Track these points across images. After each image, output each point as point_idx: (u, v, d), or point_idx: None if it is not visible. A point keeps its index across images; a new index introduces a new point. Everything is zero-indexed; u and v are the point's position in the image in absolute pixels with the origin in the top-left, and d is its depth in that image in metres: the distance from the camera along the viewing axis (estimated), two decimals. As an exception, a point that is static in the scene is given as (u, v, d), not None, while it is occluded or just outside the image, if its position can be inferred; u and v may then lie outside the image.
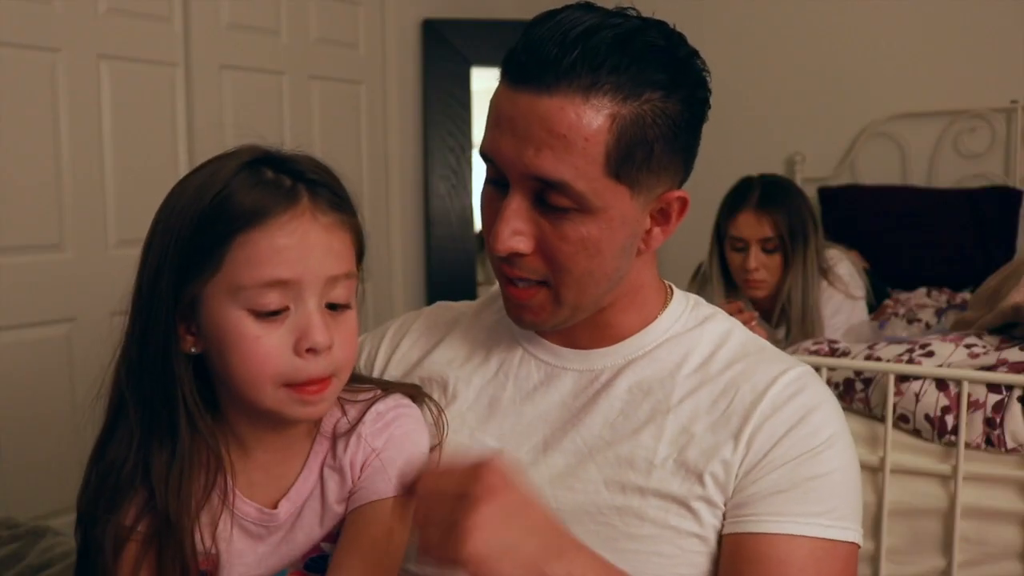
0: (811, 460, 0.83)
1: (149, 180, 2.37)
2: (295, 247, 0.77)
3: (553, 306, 0.85)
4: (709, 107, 0.86)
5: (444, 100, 3.32)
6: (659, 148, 0.80)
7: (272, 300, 0.78)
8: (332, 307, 0.81)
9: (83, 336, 2.24)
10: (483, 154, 0.84)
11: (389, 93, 3.18)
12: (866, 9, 3.09)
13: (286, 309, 0.78)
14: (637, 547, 0.83)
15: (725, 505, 0.84)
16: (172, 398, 0.81)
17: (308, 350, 0.78)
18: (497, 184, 0.84)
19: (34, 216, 2.16)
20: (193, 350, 0.82)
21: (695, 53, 0.83)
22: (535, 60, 0.77)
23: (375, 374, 1.01)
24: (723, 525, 0.84)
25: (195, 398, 0.82)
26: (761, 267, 2.11)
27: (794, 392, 0.85)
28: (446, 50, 3.30)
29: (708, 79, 0.84)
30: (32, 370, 2.16)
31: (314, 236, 0.79)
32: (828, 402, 0.88)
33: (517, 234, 0.81)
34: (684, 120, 0.81)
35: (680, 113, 0.81)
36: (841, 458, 0.85)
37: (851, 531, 0.84)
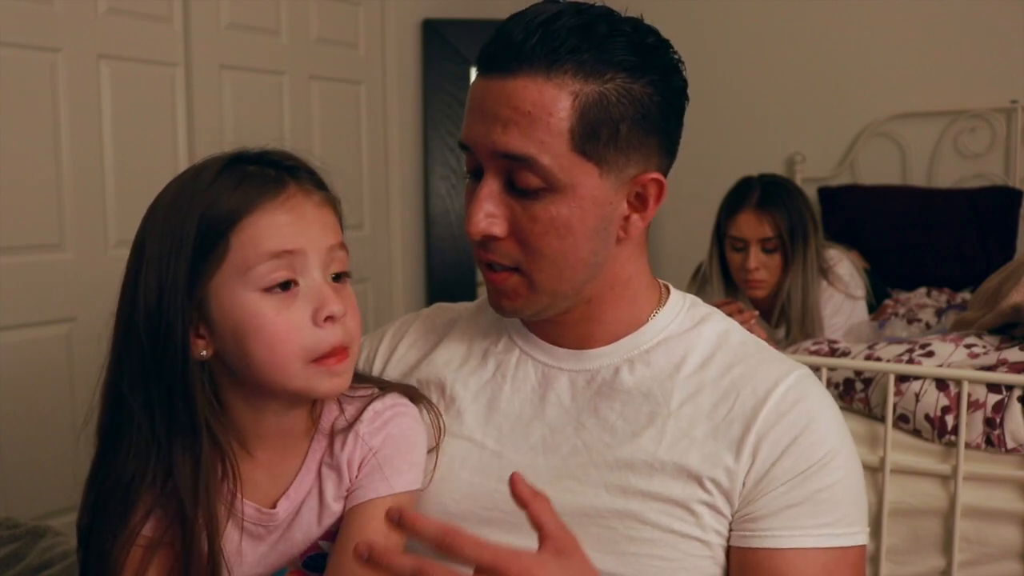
0: (819, 472, 0.83)
1: (149, 180, 2.35)
2: (294, 221, 0.81)
3: (528, 291, 0.86)
4: (687, 98, 0.87)
5: (444, 100, 3.32)
6: (625, 128, 0.81)
7: (281, 274, 0.80)
8: (336, 277, 0.84)
9: (83, 336, 2.24)
10: (461, 144, 0.86)
11: (389, 93, 3.18)
12: (866, 9, 3.09)
13: (295, 284, 0.81)
14: (637, 550, 0.83)
15: (732, 515, 0.84)
16: (192, 405, 0.82)
17: (327, 318, 0.81)
18: (475, 176, 0.86)
19: (34, 216, 2.16)
20: (204, 354, 0.82)
21: (667, 44, 0.85)
22: (501, 48, 0.81)
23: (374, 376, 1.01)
24: (730, 535, 0.84)
25: (213, 403, 0.83)
26: (761, 267, 2.11)
27: (796, 398, 0.85)
28: (446, 50, 3.30)
29: (682, 68, 0.86)
30: (32, 370, 2.15)
31: (309, 210, 0.83)
32: (829, 407, 0.88)
33: (490, 217, 0.83)
34: (655, 103, 0.83)
35: (649, 96, 0.82)
36: (847, 465, 0.86)
37: (859, 535, 0.85)
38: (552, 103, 0.79)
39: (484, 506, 0.88)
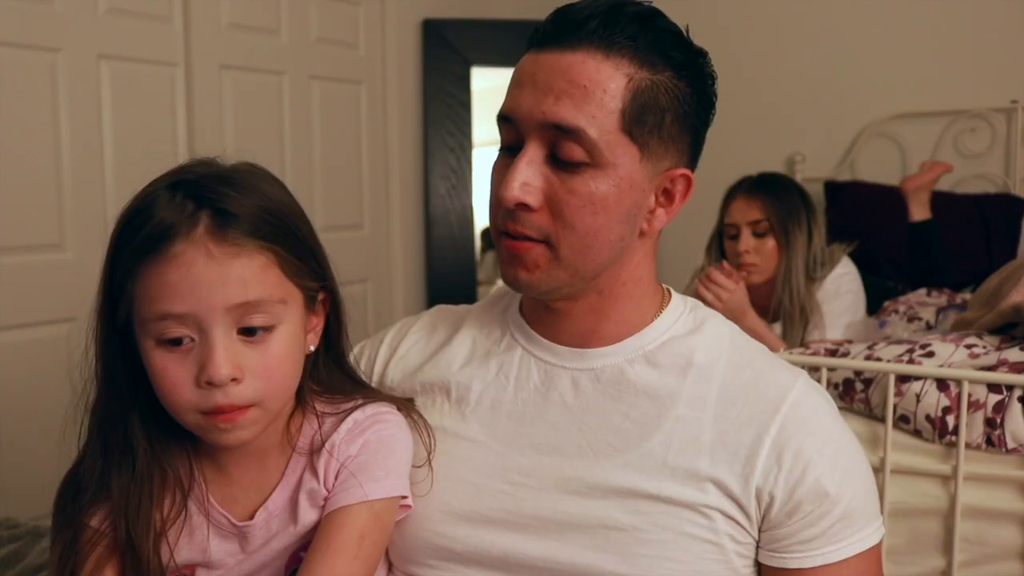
0: (849, 484, 0.85)
1: (149, 180, 2.37)
2: (182, 282, 0.76)
3: (550, 264, 0.86)
4: (714, 110, 0.90)
5: (444, 100, 3.32)
6: (670, 119, 0.84)
7: (173, 331, 0.78)
8: (251, 332, 0.79)
9: (83, 336, 2.23)
10: (501, 117, 0.87)
11: (389, 93, 3.18)
12: (866, 9, 3.09)
13: (191, 340, 0.78)
14: (647, 552, 0.83)
15: (759, 526, 0.85)
16: (126, 421, 0.83)
17: (207, 383, 0.78)
18: (510, 150, 0.87)
19: (34, 216, 2.16)
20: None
21: (706, 54, 0.89)
22: (561, 26, 0.84)
23: (374, 379, 1.01)
24: (759, 551, 0.86)
25: (147, 421, 0.83)
26: (752, 250, 2.11)
27: (810, 406, 0.87)
28: (446, 50, 3.30)
29: (714, 81, 0.89)
30: (32, 370, 2.15)
31: (205, 268, 0.76)
32: (835, 413, 0.90)
33: (526, 186, 0.83)
34: (693, 103, 0.86)
35: (690, 95, 0.86)
36: (860, 465, 0.88)
37: (880, 529, 0.88)
38: (608, 81, 0.81)
39: (488, 506, 0.88)
